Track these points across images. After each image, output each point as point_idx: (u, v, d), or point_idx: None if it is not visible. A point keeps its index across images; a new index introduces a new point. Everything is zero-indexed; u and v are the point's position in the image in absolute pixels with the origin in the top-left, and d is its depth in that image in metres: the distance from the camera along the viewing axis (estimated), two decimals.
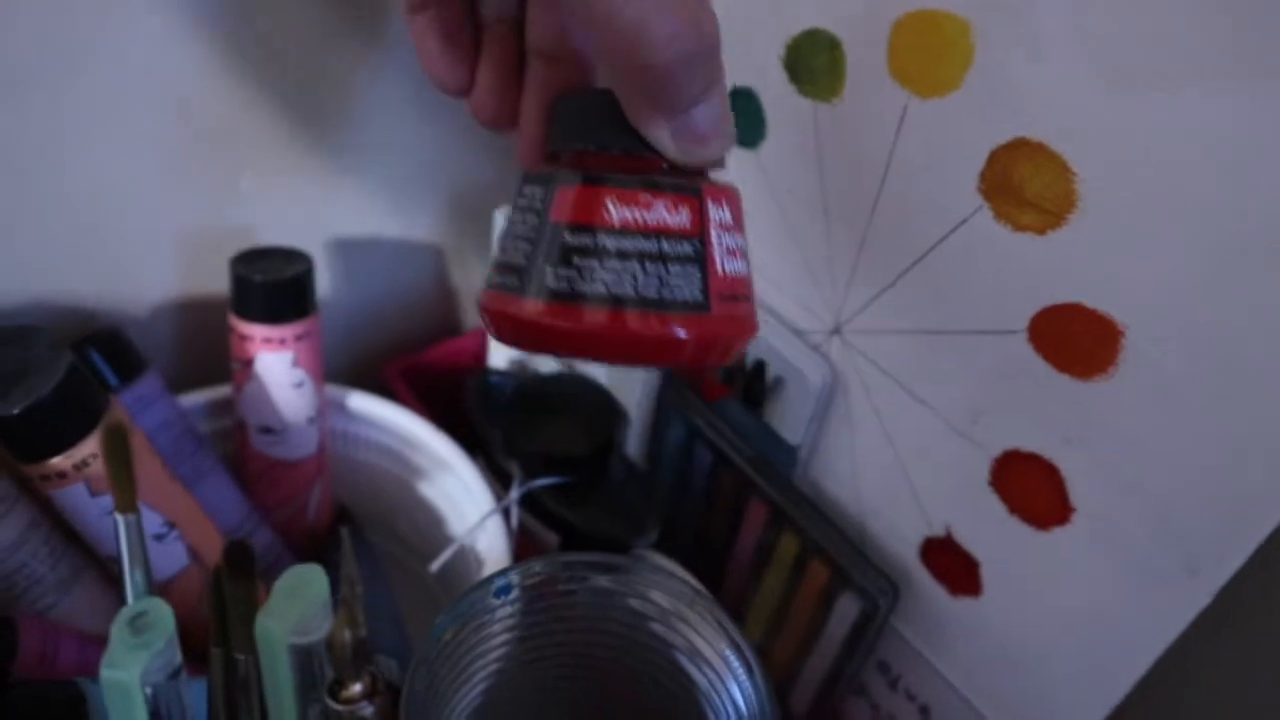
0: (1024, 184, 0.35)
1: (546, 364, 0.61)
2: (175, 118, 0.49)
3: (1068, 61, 0.33)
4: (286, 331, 0.48)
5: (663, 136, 0.25)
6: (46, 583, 0.43)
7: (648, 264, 0.24)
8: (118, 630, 0.20)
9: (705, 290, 0.25)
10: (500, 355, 0.65)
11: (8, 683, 0.36)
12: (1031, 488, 0.39)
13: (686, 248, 0.25)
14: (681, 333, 0.24)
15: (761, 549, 0.52)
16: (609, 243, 0.24)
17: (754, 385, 0.50)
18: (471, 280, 0.69)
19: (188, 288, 0.55)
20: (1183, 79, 0.30)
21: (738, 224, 0.27)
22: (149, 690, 0.20)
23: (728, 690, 0.35)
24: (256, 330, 0.48)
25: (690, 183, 0.26)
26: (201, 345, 0.56)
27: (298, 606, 0.21)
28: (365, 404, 0.55)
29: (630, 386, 0.54)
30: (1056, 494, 0.38)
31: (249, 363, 0.49)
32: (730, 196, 0.27)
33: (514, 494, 0.49)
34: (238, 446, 0.53)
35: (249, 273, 0.48)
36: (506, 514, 0.50)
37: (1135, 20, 0.31)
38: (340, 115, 0.56)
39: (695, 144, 0.25)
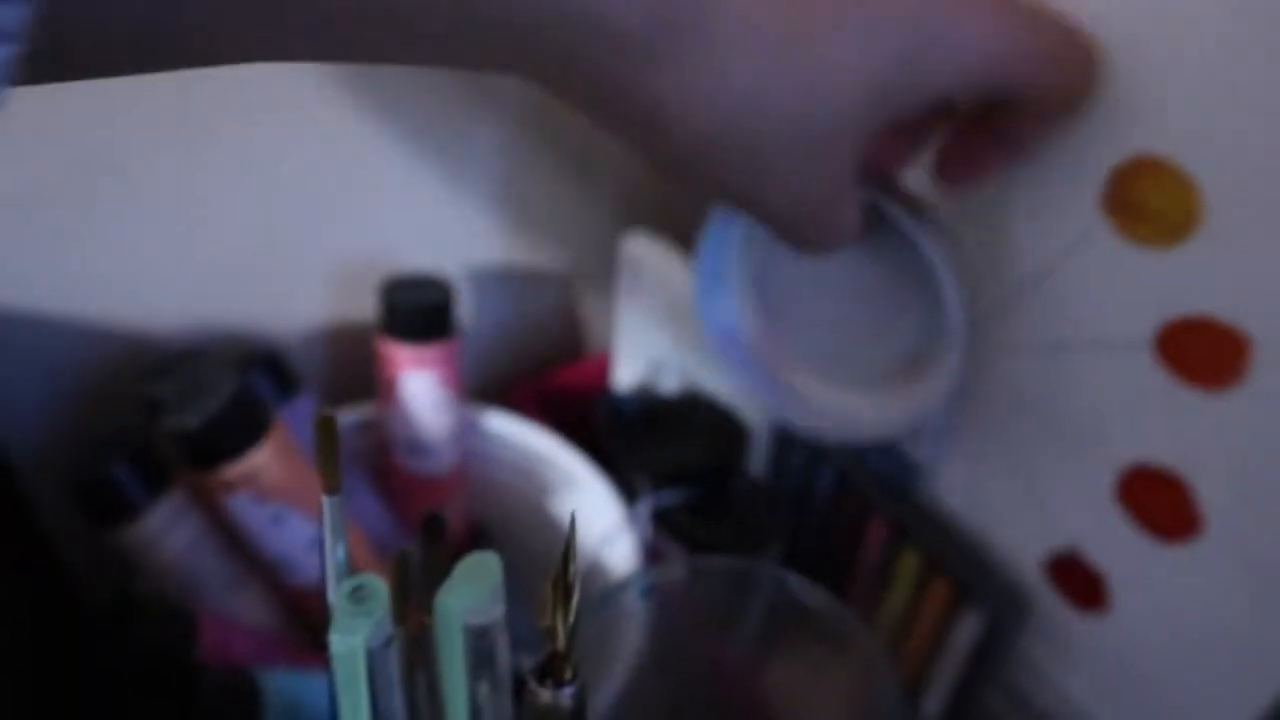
0: (1146, 199, 0.36)
1: (670, 384, 0.63)
2: (324, 158, 0.54)
3: (1189, 77, 0.34)
4: (431, 353, 0.52)
5: None
6: (218, 582, 0.46)
7: None
8: (339, 601, 0.22)
9: None
10: (626, 377, 0.67)
11: (191, 670, 0.39)
12: (1159, 502, 0.40)
13: None
14: None
15: (883, 566, 0.53)
16: None
17: None
18: (596, 306, 0.72)
19: (336, 313, 0.59)
20: None
21: None
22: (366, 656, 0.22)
23: (869, 699, 0.36)
24: (403, 352, 0.52)
25: None
26: (349, 367, 0.60)
27: (475, 589, 0.23)
28: (500, 423, 0.58)
29: (753, 406, 0.55)
30: (1185, 508, 0.38)
31: (395, 383, 0.53)
32: None
33: (644, 507, 0.51)
34: (383, 463, 0.57)
35: (397, 298, 0.51)
36: (635, 527, 0.52)
37: (1257, 33, 0.32)
38: (473, 150, 0.59)
39: None
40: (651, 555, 0.54)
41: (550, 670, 0.22)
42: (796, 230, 0.29)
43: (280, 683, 0.41)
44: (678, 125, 0.24)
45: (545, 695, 0.22)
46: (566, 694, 0.22)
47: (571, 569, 0.21)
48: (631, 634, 0.37)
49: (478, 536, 0.60)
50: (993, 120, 0.34)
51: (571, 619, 0.21)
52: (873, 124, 0.26)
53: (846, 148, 0.26)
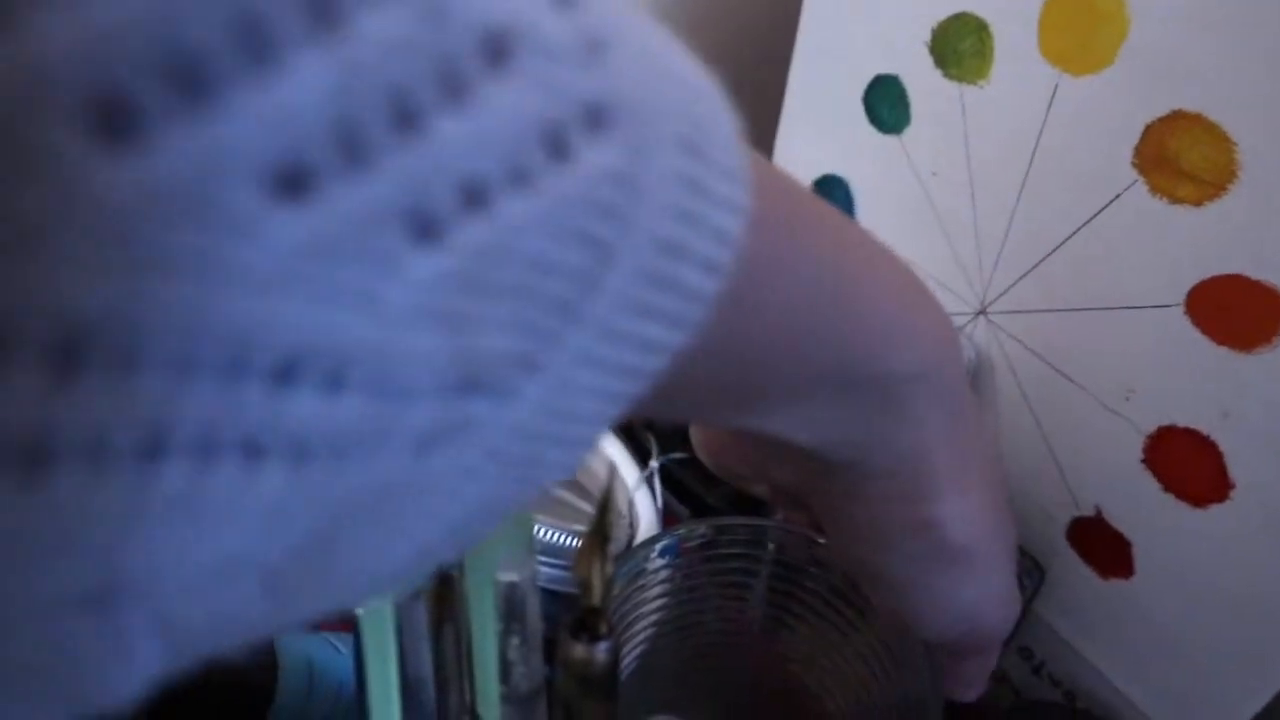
0: (1181, 156, 0.35)
1: None
2: None
3: (1226, 31, 0.33)
4: None
5: None
6: None
7: None
8: None
9: None
10: None
11: None
12: (1187, 464, 0.39)
13: None
14: None
15: None
16: None
17: None
18: None
19: None
20: None
21: None
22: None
23: (893, 660, 0.36)
24: None
25: None
26: None
27: (506, 543, 0.22)
28: None
29: None
30: (1215, 470, 0.38)
31: None
32: None
33: (655, 464, 0.51)
34: None
35: None
36: (650, 486, 0.52)
37: None
38: None
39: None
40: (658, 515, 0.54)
41: (586, 624, 0.21)
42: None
43: (295, 644, 0.41)
44: (940, 533, 0.27)
45: (580, 650, 0.21)
46: (601, 649, 0.21)
47: (609, 519, 0.21)
48: (654, 593, 0.37)
49: None
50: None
51: (609, 571, 0.21)
52: None
53: None
